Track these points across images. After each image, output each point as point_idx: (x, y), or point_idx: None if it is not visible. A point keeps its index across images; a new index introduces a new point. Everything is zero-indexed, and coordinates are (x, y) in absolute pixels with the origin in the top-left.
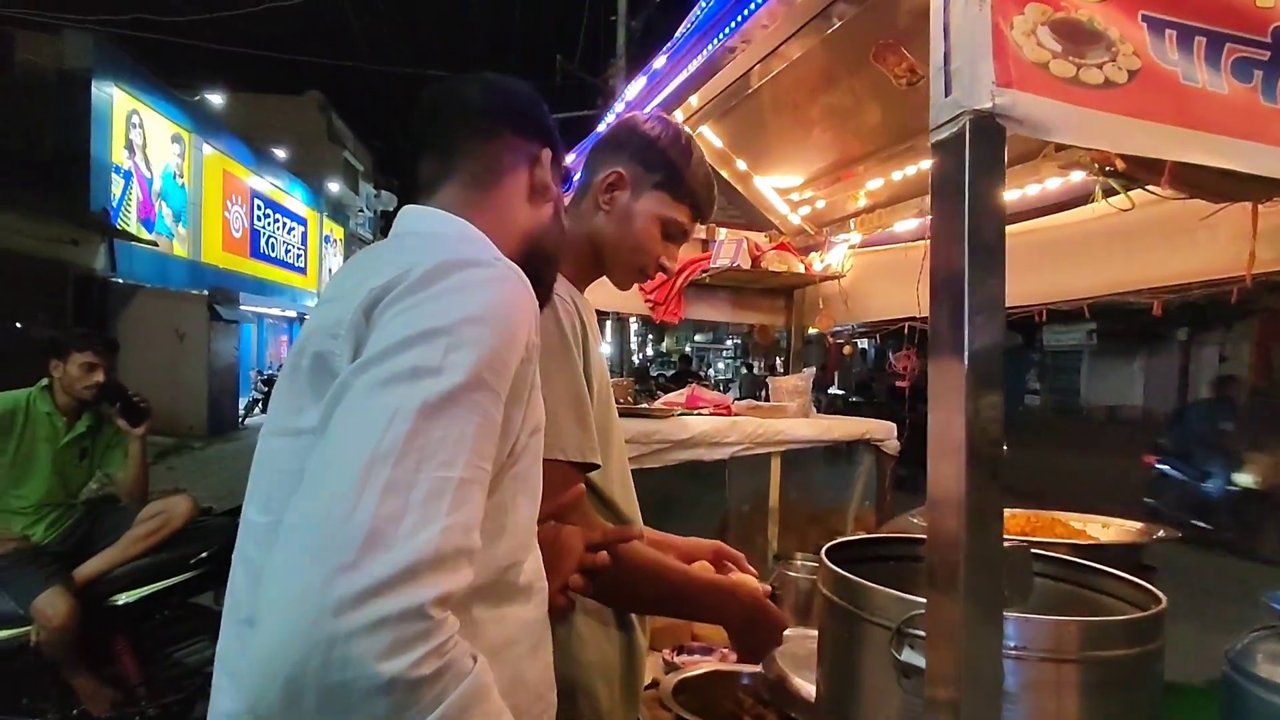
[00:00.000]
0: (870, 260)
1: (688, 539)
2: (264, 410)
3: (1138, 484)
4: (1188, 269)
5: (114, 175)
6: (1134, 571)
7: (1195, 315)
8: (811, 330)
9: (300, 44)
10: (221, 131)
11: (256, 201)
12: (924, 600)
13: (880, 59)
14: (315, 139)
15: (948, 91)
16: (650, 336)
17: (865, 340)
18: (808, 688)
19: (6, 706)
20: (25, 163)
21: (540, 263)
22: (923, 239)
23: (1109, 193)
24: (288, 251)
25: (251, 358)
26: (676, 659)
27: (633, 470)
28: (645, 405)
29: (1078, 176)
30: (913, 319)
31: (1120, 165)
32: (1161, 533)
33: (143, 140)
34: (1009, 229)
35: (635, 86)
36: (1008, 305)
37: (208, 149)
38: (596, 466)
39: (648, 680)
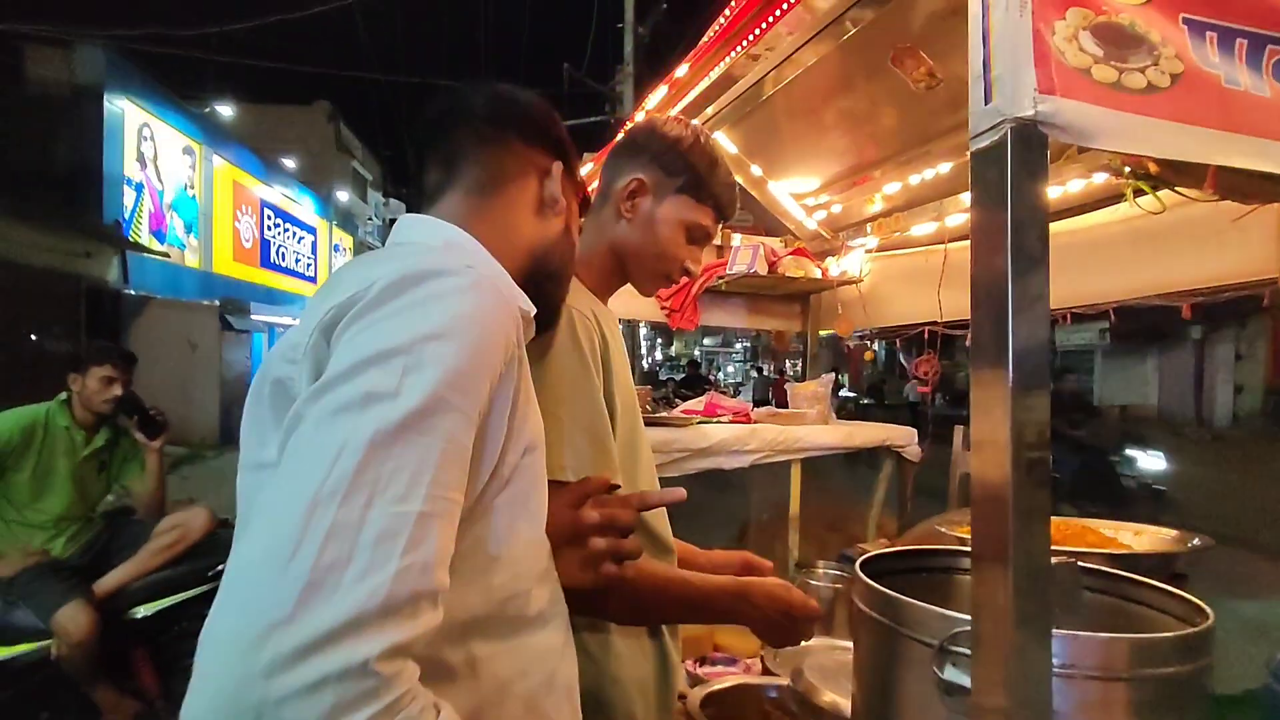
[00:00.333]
0: (888, 264)
1: (714, 552)
2: None
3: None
4: (1218, 271)
5: (126, 187)
6: (1167, 579)
7: (1209, 313)
8: (822, 333)
9: (308, 55)
10: (231, 142)
11: (267, 211)
12: (967, 617)
13: (898, 63)
14: (324, 149)
15: (988, 99)
16: (660, 340)
17: (876, 342)
18: (837, 700)
19: None
20: (38, 176)
21: (545, 279)
22: (941, 243)
23: (1139, 195)
24: (298, 261)
25: None
26: (699, 670)
27: None
28: (664, 414)
29: (1101, 179)
30: (933, 323)
31: (1153, 169)
32: (1197, 540)
33: (154, 152)
34: None
35: (656, 95)
36: None
37: (218, 160)
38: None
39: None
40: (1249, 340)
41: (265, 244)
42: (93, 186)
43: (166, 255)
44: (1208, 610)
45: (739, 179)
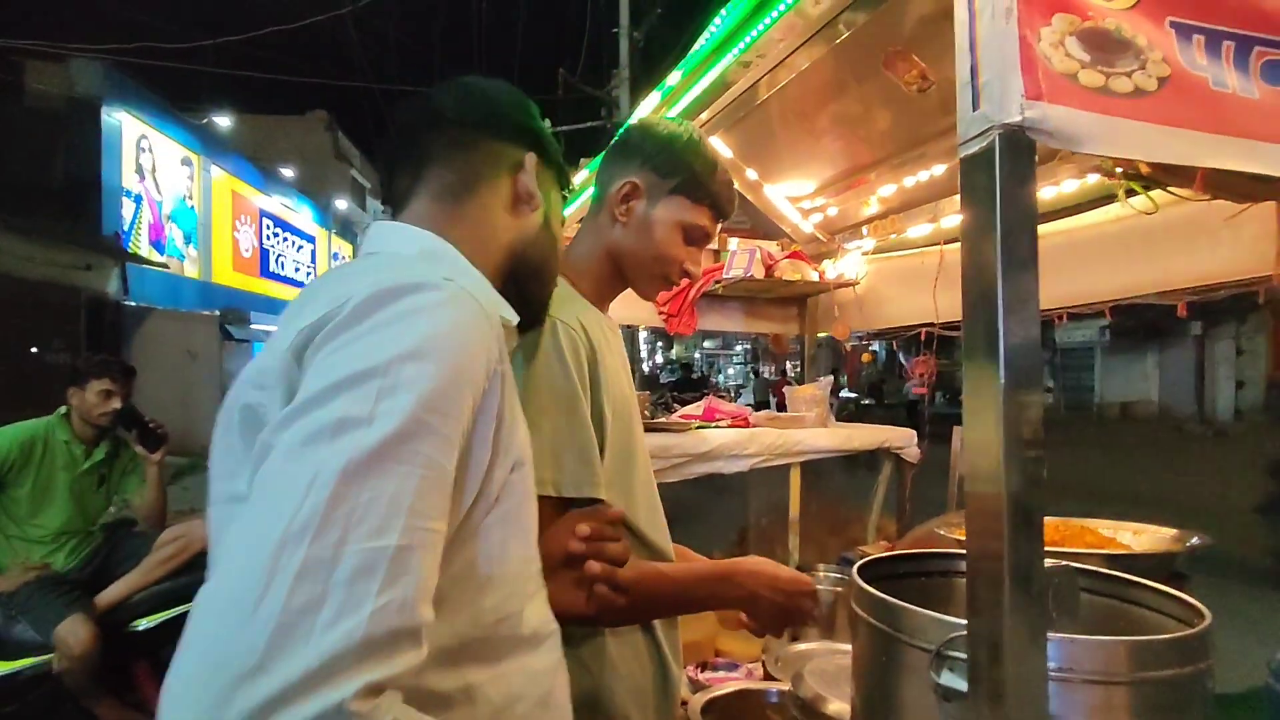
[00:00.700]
0: (884, 266)
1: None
2: None
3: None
4: (1213, 269)
5: (125, 199)
6: (1166, 580)
7: (1209, 308)
8: (821, 334)
9: (304, 65)
10: (229, 153)
11: (265, 221)
12: (964, 622)
13: (890, 66)
14: (321, 158)
15: (976, 105)
16: (660, 344)
17: (875, 342)
18: (838, 705)
19: None
20: (37, 190)
21: (527, 277)
22: (936, 244)
23: (1131, 195)
24: (297, 269)
25: None
26: (701, 676)
27: None
28: (663, 419)
29: (1093, 178)
30: (929, 324)
31: (1144, 169)
32: (1195, 540)
33: (152, 164)
34: None
35: (649, 102)
36: None
37: (216, 170)
38: (598, 501)
39: None
40: (1249, 335)
41: (265, 253)
42: (91, 199)
43: (166, 266)
44: (1205, 612)
45: (735, 183)
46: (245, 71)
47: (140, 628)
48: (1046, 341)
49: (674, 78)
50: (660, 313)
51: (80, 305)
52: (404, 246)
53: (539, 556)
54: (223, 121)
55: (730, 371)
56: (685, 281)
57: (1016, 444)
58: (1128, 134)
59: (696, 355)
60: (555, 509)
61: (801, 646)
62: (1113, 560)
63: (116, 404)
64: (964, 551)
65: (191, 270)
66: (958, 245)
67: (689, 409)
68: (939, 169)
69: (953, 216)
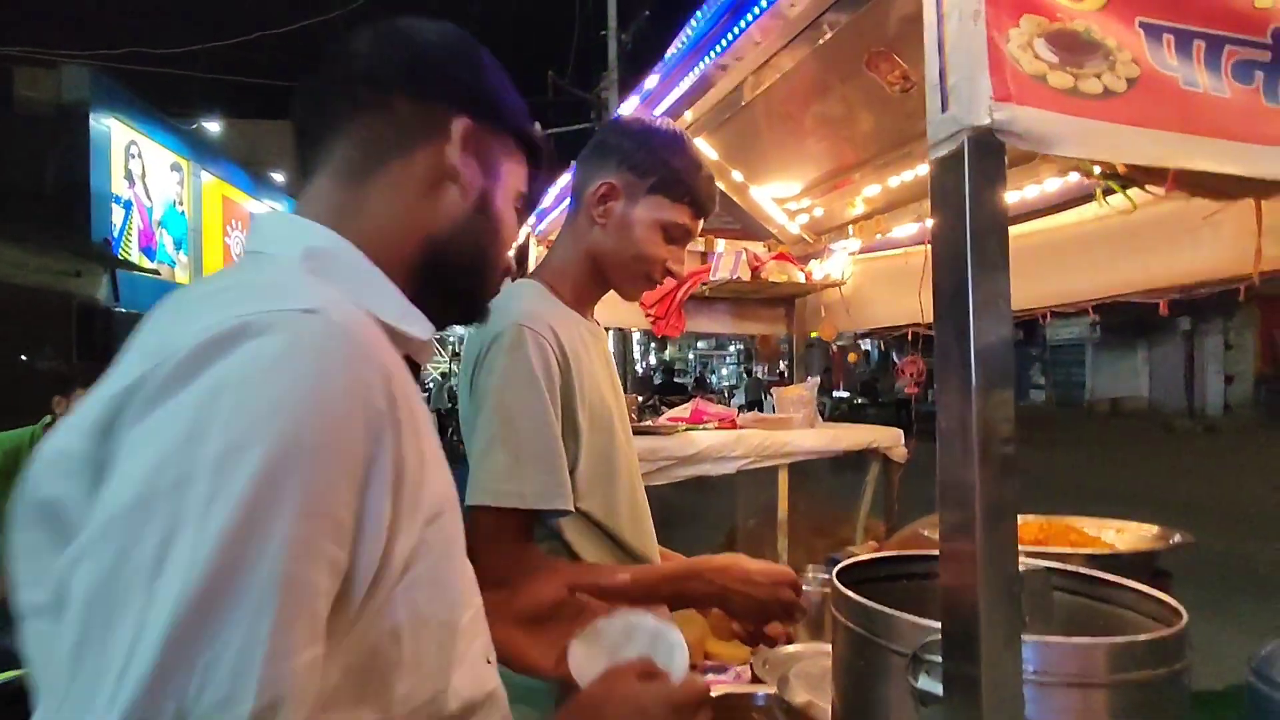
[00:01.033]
0: (871, 266)
1: None
2: None
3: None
4: (1193, 268)
5: (114, 205)
6: (1149, 578)
7: (1196, 305)
8: (812, 334)
9: (294, 69)
10: (219, 158)
11: None
12: (939, 625)
13: (873, 67)
14: None
15: (944, 107)
16: (653, 345)
17: (868, 341)
18: (821, 708)
19: None
20: (26, 196)
21: (454, 274)
22: (922, 244)
23: (1109, 194)
24: None
25: None
26: None
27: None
28: (650, 422)
29: (1075, 177)
30: (916, 325)
31: (1121, 169)
32: (1178, 538)
33: (142, 170)
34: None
35: (628, 106)
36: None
37: (206, 176)
38: (566, 513)
39: None
40: (1237, 330)
41: None
42: (80, 205)
43: (157, 272)
44: (1181, 611)
45: (721, 185)
46: (234, 76)
47: None
48: (1036, 339)
49: (652, 80)
50: (647, 314)
51: (70, 312)
52: (287, 246)
53: (472, 602)
54: (212, 126)
55: (724, 372)
56: (672, 283)
57: (989, 446)
58: (1097, 135)
59: (690, 356)
60: (523, 521)
61: (790, 649)
62: (1095, 560)
63: None
64: None
65: (183, 276)
66: None
67: (676, 411)
68: (923, 169)
69: None
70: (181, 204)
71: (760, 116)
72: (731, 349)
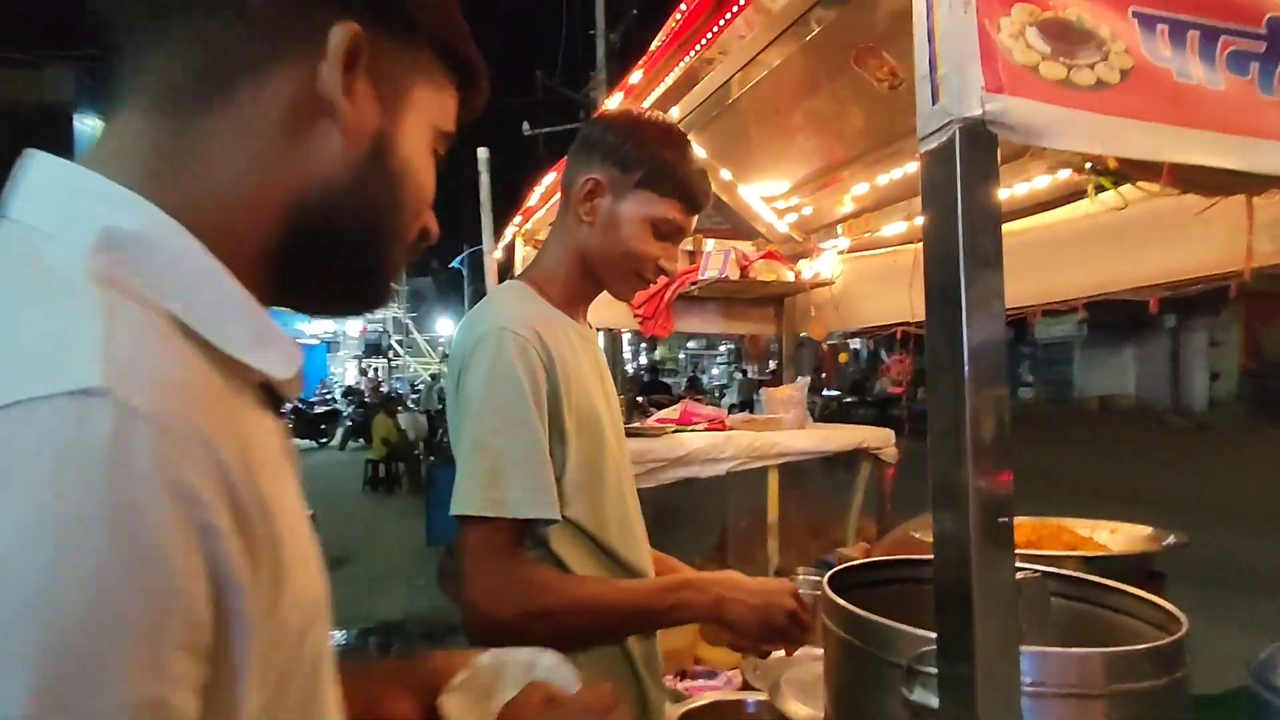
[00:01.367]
0: (860, 265)
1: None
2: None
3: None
4: (1184, 265)
5: None
6: (1143, 579)
7: (1182, 302)
8: (802, 334)
9: None
10: None
11: None
12: (934, 635)
13: (861, 63)
14: None
15: (935, 99)
16: (644, 345)
17: (857, 340)
18: (813, 716)
19: None
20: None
21: (337, 249)
22: (911, 242)
23: (1100, 190)
24: None
25: None
26: (680, 685)
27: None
28: (639, 424)
29: (1066, 174)
30: (905, 323)
31: (1113, 164)
32: (1172, 539)
33: None
34: None
35: (613, 101)
36: None
37: None
38: (552, 521)
39: None
40: (1223, 326)
41: None
42: None
43: None
44: (1182, 617)
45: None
46: None
47: None
48: (1026, 336)
49: (636, 76)
50: (636, 314)
51: None
52: (73, 221)
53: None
54: None
55: (715, 371)
56: (662, 281)
57: (982, 448)
58: (1090, 127)
59: (680, 356)
60: (509, 531)
61: (781, 653)
62: (1089, 563)
63: None
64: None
65: None
66: None
67: (665, 413)
68: (911, 166)
69: None
70: None
71: (748, 114)
72: (722, 349)
